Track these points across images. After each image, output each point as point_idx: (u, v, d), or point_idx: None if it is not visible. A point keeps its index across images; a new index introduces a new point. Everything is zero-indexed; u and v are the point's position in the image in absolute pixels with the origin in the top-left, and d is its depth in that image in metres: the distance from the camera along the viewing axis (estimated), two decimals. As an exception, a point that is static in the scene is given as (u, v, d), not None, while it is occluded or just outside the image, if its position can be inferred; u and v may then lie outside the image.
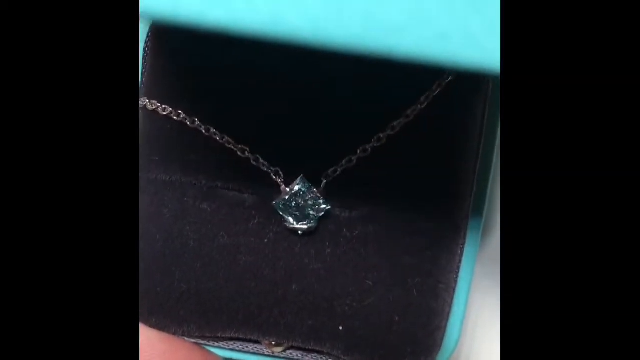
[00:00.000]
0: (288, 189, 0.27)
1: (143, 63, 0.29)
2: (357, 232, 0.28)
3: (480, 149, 0.29)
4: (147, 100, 0.28)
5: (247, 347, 0.30)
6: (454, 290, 0.29)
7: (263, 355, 0.30)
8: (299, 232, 0.27)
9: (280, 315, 0.28)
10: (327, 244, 0.28)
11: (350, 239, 0.28)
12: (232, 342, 0.30)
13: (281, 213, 0.27)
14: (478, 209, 0.30)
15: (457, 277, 0.29)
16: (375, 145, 0.27)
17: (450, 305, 0.29)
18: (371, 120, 0.27)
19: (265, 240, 0.28)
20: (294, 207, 0.27)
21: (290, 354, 0.30)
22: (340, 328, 0.28)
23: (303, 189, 0.27)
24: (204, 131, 0.27)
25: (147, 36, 0.28)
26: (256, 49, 0.27)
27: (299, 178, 0.27)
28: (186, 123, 0.28)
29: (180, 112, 0.27)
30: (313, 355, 0.30)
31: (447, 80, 0.27)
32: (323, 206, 0.27)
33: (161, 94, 0.28)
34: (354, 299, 0.28)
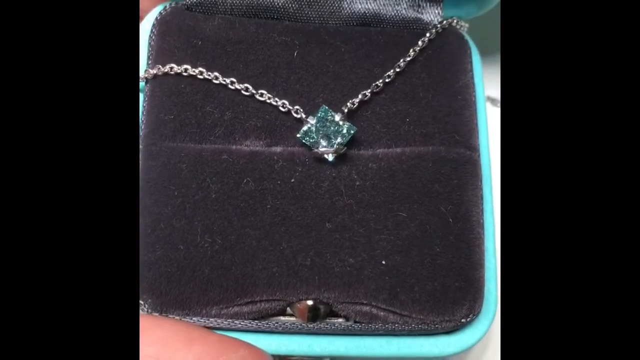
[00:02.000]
0: (312, 119, 0.27)
1: (149, 49, 0.29)
2: (383, 163, 0.27)
3: (475, 89, 0.30)
4: (159, 66, 0.28)
5: (274, 324, 0.26)
6: (483, 227, 0.28)
7: (293, 333, 0.26)
8: (329, 157, 0.26)
9: (317, 256, 0.26)
10: (355, 177, 0.27)
11: (377, 171, 0.27)
12: (257, 321, 0.26)
13: (307, 140, 0.27)
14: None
15: (483, 215, 0.28)
16: (386, 81, 0.28)
17: (483, 242, 0.28)
18: (378, 63, 0.29)
19: (292, 180, 0.27)
20: (320, 134, 0.27)
21: (324, 325, 0.26)
22: (383, 262, 0.26)
23: (327, 115, 0.27)
24: (221, 81, 0.28)
25: (153, 28, 0.30)
26: (261, 12, 0.29)
27: (321, 107, 0.27)
28: (202, 77, 0.28)
29: (195, 69, 0.28)
30: (348, 324, 0.26)
31: (437, 30, 0.30)
32: (350, 126, 0.27)
33: (173, 61, 0.28)
34: (391, 233, 0.26)
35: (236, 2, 0.30)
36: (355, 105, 0.28)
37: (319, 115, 0.27)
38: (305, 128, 0.27)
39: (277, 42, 0.29)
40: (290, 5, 0.30)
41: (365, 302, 0.26)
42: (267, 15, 0.30)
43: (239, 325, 0.26)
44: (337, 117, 0.27)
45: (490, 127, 0.36)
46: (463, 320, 0.26)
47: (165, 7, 0.30)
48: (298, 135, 0.27)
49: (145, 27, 0.30)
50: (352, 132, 0.27)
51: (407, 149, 0.28)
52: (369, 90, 0.28)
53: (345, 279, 0.26)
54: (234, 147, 0.27)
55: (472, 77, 0.30)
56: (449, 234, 0.27)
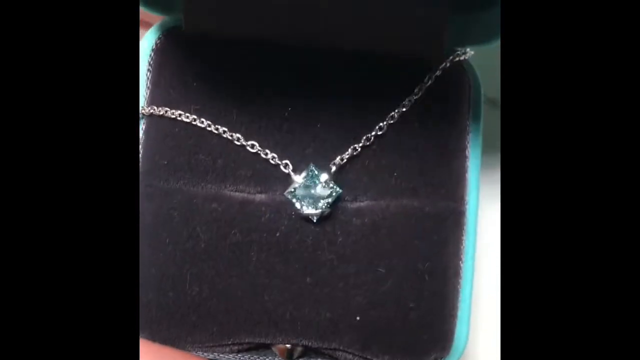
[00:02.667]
0: (299, 177, 0.28)
1: (147, 76, 0.29)
2: (366, 219, 0.28)
3: (469, 134, 0.30)
4: (155, 107, 0.29)
5: (256, 359, 0.29)
6: (461, 277, 0.29)
7: None
8: (314, 218, 0.27)
9: (296, 310, 0.28)
10: (339, 233, 0.28)
11: (360, 227, 0.28)
12: (241, 355, 0.29)
13: (294, 201, 0.27)
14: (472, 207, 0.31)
15: (462, 265, 0.29)
16: (377, 134, 0.28)
17: (459, 292, 0.29)
18: (371, 112, 0.29)
19: (277, 234, 0.28)
20: (306, 194, 0.27)
21: None
22: (357, 318, 0.28)
23: (314, 175, 0.27)
24: (213, 130, 0.28)
25: (151, 52, 0.30)
26: (257, 50, 0.29)
27: (309, 165, 0.28)
28: (195, 124, 0.28)
29: (188, 114, 0.28)
30: None
31: (436, 74, 0.29)
32: (335, 189, 0.27)
33: (167, 101, 0.29)
34: (369, 288, 0.28)
35: (234, 32, 0.29)
36: (344, 161, 0.28)
37: (306, 175, 0.28)
38: (291, 188, 0.28)
39: (273, 83, 0.29)
40: (288, 34, 0.29)
41: (340, 348, 0.28)
42: (266, 46, 0.29)
43: (224, 358, 0.28)
44: (324, 178, 0.27)
45: (490, 129, 0.36)
46: None
47: (164, 32, 0.30)
48: (285, 193, 0.28)
49: (144, 47, 0.30)
50: (337, 194, 0.28)
51: (392, 203, 0.28)
52: (360, 145, 0.28)
53: (321, 331, 0.28)
54: (224, 193, 0.28)
55: (469, 118, 0.30)
56: (423, 290, 0.28)
